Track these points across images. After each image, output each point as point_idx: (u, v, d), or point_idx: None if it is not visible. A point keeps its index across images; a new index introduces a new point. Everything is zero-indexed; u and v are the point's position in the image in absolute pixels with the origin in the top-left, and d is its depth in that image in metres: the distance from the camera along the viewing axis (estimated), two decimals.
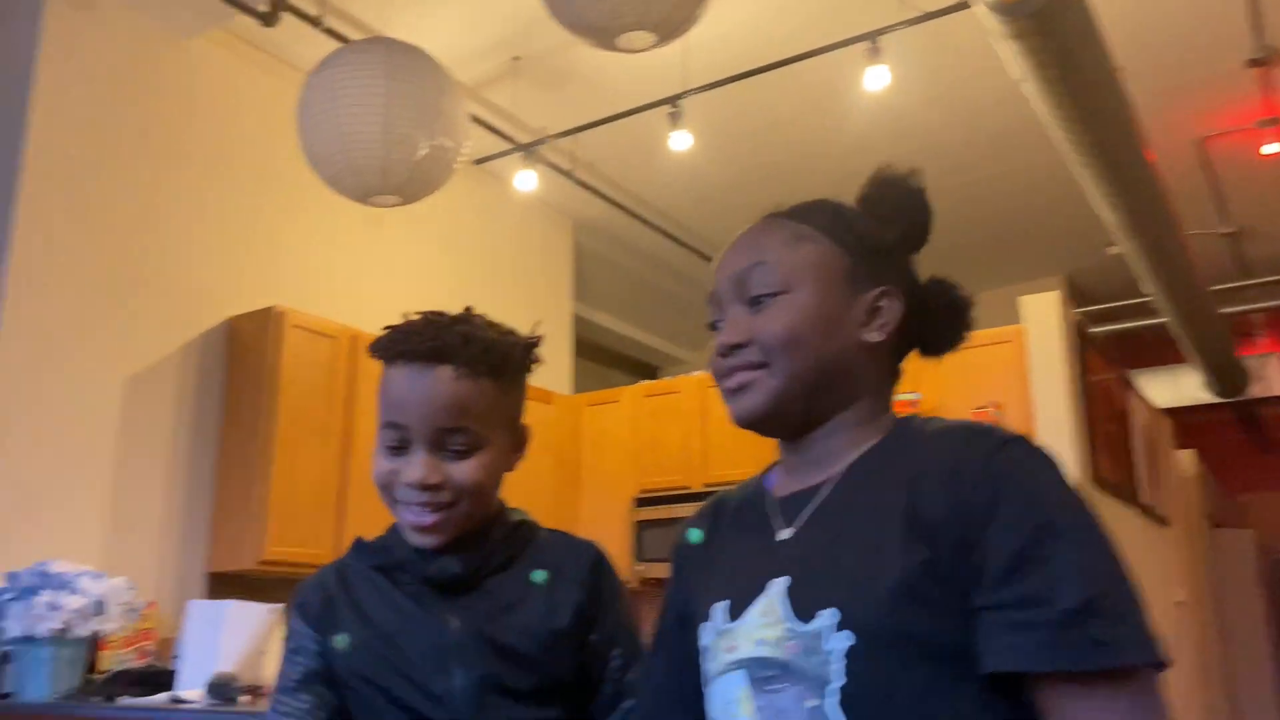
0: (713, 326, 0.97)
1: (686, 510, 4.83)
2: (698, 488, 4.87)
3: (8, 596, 2.97)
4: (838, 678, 0.80)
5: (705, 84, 4.03)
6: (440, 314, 1.15)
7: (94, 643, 3.12)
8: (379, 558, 1.15)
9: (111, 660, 3.20)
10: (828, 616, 0.82)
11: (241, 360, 3.78)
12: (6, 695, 3.00)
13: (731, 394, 0.94)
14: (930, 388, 4.40)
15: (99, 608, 3.03)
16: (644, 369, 7.36)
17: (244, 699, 2.68)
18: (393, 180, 2.82)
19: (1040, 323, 4.16)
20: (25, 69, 3.40)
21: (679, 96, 4.00)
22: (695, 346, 7.16)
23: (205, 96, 3.91)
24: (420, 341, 1.10)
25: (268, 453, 3.61)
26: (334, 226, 4.30)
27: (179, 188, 3.74)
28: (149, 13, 3.69)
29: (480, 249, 5.02)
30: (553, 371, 5.36)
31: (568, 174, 4.78)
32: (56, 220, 3.37)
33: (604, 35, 2.27)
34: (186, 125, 3.82)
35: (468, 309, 1.17)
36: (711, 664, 0.92)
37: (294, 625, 1.17)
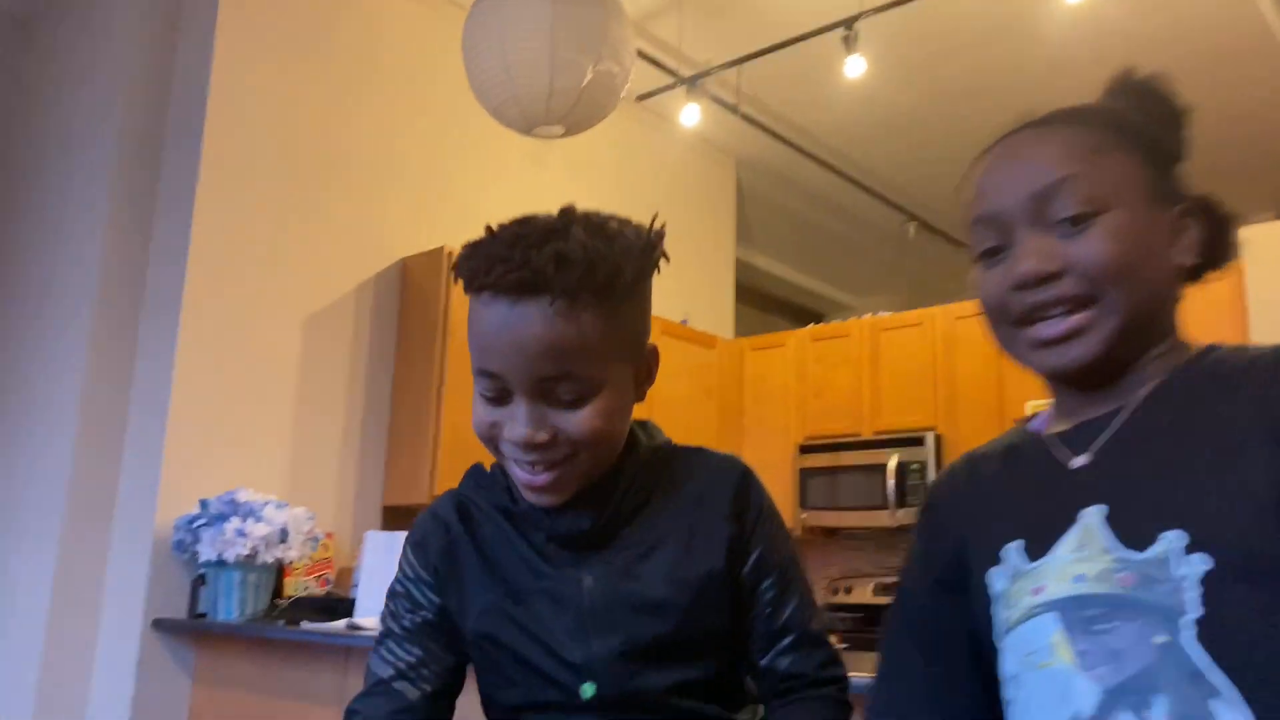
0: (989, 254, 0.85)
1: (853, 458, 4.65)
2: (867, 435, 4.69)
3: (201, 522, 3.11)
4: (1194, 608, 0.68)
5: (884, 3, 3.79)
6: (530, 221, 0.93)
7: (279, 569, 3.25)
8: (502, 499, 1.02)
9: (294, 587, 3.33)
10: (1173, 539, 0.70)
11: (413, 300, 3.84)
12: (202, 615, 3.17)
13: (1054, 342, 0.81)
14: None
15: (282, 535, 3.14)
16: (807, 315, 7.16)
17: None
18: (558, 109, 2.75)
19: (1263, 257, 3.76)
20: (209, 11, 3.50)
21: (854, 19, 3.77)
22: (862, 292, 6.90)
23: (384, 38, 3.95)
24: (506, 270, 0.89)
25: (439, 390, 3.67)
26: (501, 167, 4.30)
27: (357, 131, 3.80)
28: None
29: (642, 189, 4.94)
30: (715, 315, 5.26)
31: (732, 108, 4.62)
32: (240, 164, 3.48)
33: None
34: (365, 67, 3.87)
35: (566, 209, 0.94)
36: (1009, 611, 0.80)
37: (410, 565, 1.06)
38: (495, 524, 1.02)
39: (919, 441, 4.50)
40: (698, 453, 1.05)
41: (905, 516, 4.48)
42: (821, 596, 5.01)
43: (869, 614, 4.65)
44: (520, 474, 0.94)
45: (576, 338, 0.88)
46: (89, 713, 3.22)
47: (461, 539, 1.02)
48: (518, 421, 0.90)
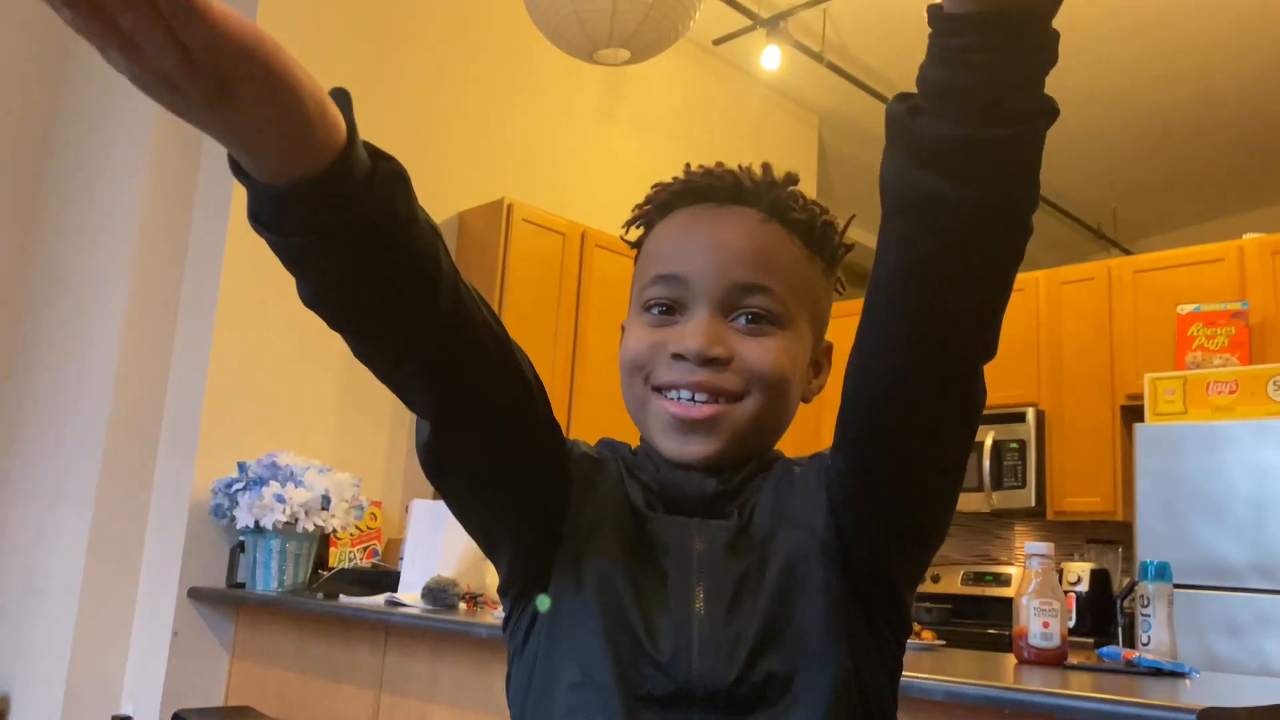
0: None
1: None
2: None
3: (239, 486, 2.92)
4: None
5: None
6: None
7: (324, 539, 3.05)
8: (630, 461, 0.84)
9: (340, 557, 3.13)
10: None
11: (471, 254, 3.59)
12: (240, 585, 2.98)
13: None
14: (1265, 295, 3.67)
15: (325, 502, 2.93)
16: None
17: (461, 606, 2.49)
18: (622, 30, 2.46)
19: None
20: None
21: None
22: None
23: None
24: (715, 179, 0.83)
25: None
26: (566, 118, 4.03)
27: (412, 76, 3.56)
28: None
29: (716, 146, 4.62)
30: None
31: (816, 56, 4.27)
32: None
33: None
34: (418, 5, 3.63)
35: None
36: None
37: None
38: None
39: (1019, 418, 4.12)
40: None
41: (1002, 500, 4.11)
42: None
43: (959, 605, 4.30)
44: (673, 408, 0.78)
45: (781, 253, 0.81)
46: (125, 683, 3.06)
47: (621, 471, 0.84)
48: (692, 331, 0.78)
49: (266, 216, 0.60)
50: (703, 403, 0.77)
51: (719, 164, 0.86)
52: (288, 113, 0.55)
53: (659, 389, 0.80)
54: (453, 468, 0.75)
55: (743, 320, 0.79)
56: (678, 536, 0.77)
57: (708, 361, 0.77)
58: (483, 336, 0.71)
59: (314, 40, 3.33)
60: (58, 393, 3.42)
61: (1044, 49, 0.60)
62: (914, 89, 0.63)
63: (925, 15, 0.61)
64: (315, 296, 0.65)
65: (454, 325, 0.69)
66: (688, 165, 0.87)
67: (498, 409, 0.73)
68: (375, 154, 0.63)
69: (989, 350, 0.67)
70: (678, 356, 0.78)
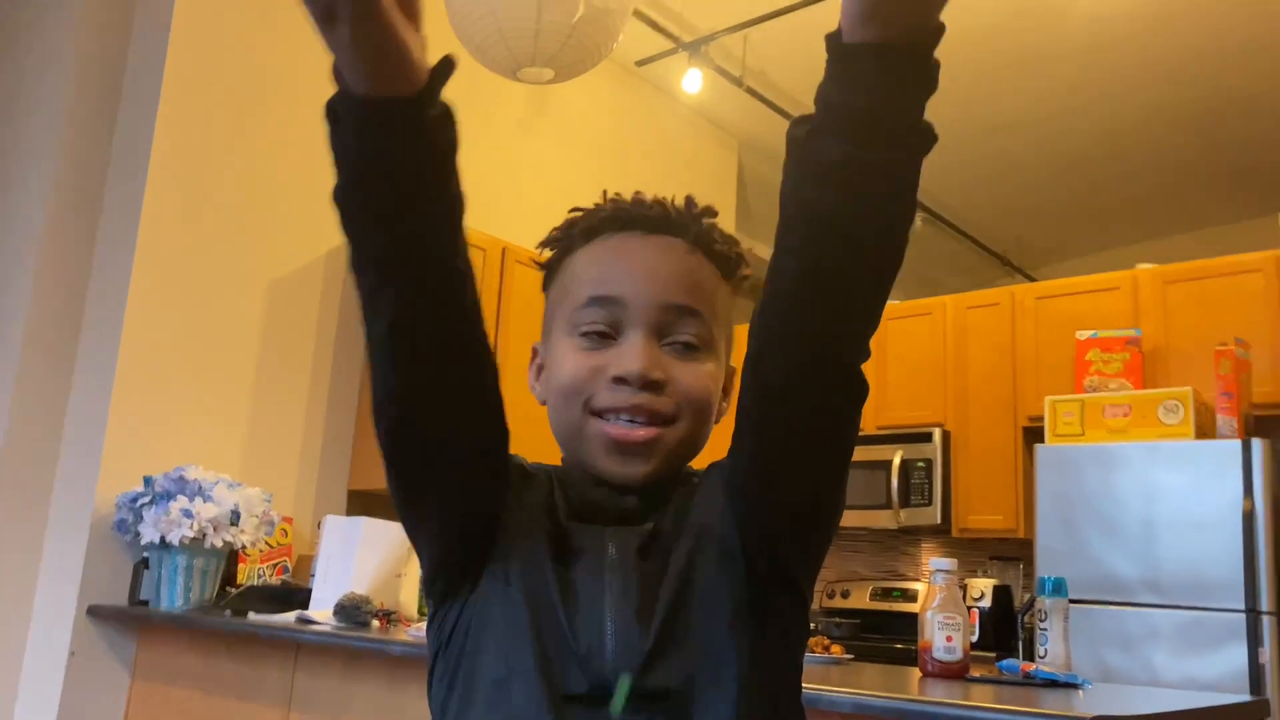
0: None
1: (858, 454, 4.37)
2: (870, 430, 4.44)
3: (144, 500, 2.84)
4: None
5: None
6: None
7: (232, 555, 2.99)
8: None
9: (249, 574, 3.06)
10: None
11: None
12: (144, 603, 2.89)
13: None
14: (1157, 323, 3.84)
15: (234, 518, 2.87)
16: None
17: (375, 623, 2.46)
18: (546, 48, 2.48)
19: None
20: None
21: None
22: None
23: None
24: (644, 211, 0.87)
25: None
26: (488, 132, 4.03)
27: (326, 90, 3.52)
28: None
29: (637, 166, 4.67)
30: None
31: (736, 81, 4.35)
32: (199, 120, 3.20)
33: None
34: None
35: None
36: None
37: None
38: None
39: (926, 438, 4.24)
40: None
41: (909, 517, 4.22)
42: (816, 601, 4.75)
43: (867, 620, 4.39)
44: (613, 432, 0.81)
45: (706, 281, 0.86)
46: (17, 707, 2.95)
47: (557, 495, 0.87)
48: (632, 354, 0.81)
49: (347, 122, 0.73)
50: (641, 425, 0.80)
51: (640, 193, 0.90)
52: (380, 47, 0.68)
53: (598, 413, 0.82)
54: (413, 420, 0.76)
55: (677, 342, 0.83)
56: (594, 543, 0.80)
57: (647, 385, 0.80)
58: (466, 295, 0.75)
59: (229, 45, 3.28)
60: None
61: (927, 78, 0.68)
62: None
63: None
64: (349, 186, 0.75)
65: (451, 263, 0.75)
66: (612, 193, 0.90)
67: (463, 359, 0.76)
68: (448, 114, 0.77)
69: (870, 335, 0.75)
70: (619, 380, 0.81)
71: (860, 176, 0.68)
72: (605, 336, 0.83)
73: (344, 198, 0.74)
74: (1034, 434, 3.92)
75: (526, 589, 0.78)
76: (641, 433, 0.80)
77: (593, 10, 2.45)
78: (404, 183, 0.73)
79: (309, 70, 3.47)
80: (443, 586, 0.82)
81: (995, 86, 4.46)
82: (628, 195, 0.90)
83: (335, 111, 0.73)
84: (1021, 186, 5.61)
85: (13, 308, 3.12)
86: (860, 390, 0.75)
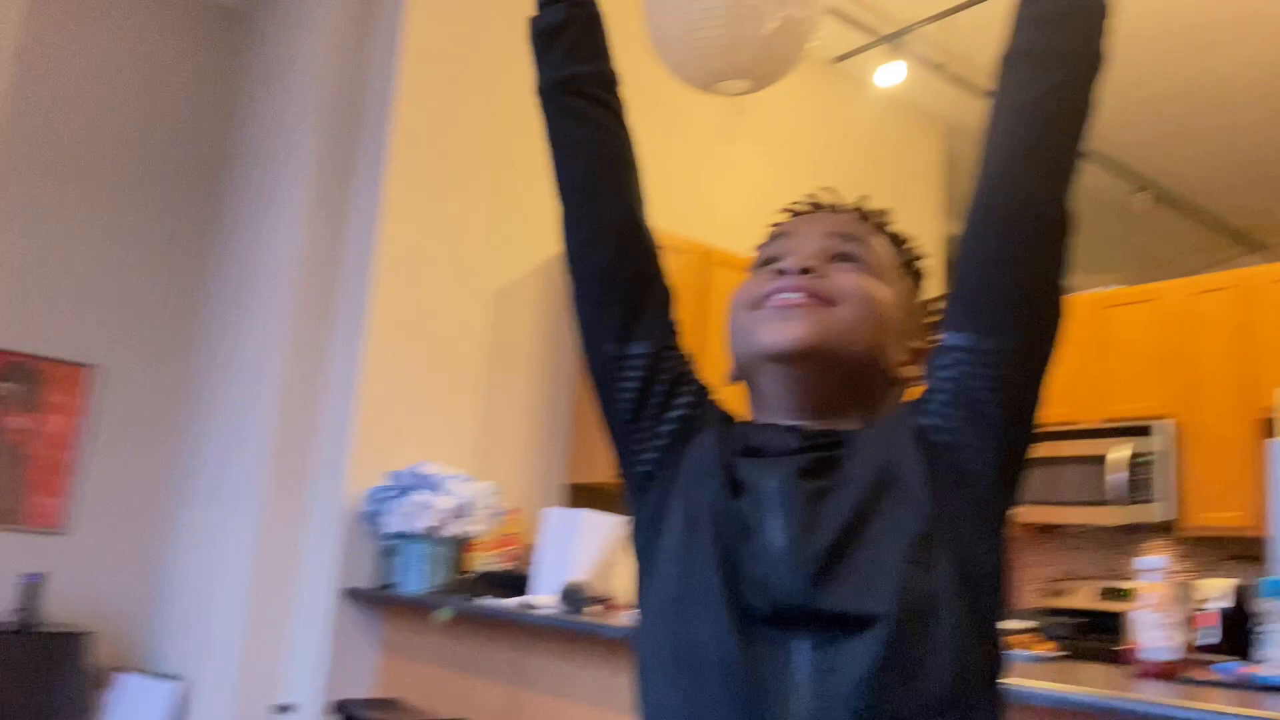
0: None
1: (1075, 448, 4.16)
2: (1092, 423, 4.26)
3: (389, 494, 3.15)
4: None
5: None
6: None
7: (464, 543, 3.25)
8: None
9: (479, 561, 3.32)
10: None
11: None
12: (390, 586, 3.21)
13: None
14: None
15: (465, 510, 3.13)
16: None
17: (593, 609, 2.63)
18: (739, 60, 2.56)
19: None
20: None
21: None
22: (1087, 269, 6.33)
23: None
24: (805, 202, 0.98)
25: None
26: (691, 141, 4.16)
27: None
28: None
29: (840, 162, 4.67)
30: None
31: (939, 68, 4.28)
32: (431, 140, 3.50)
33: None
34: None
35: None
36: None
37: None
38: None
39: (1152, 431, 4.03)
40: None
41: (1136, 514, 4.03)
42: (1036, 600, 4.60)
43: (1091, 620, 4.22)
44: (774, 302, 0.87)
45: (864, 231, 0.93)
46: (287, 678, 3.33)
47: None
48: (793, 253, 0.90)
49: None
50: (799, 298, 0.86)
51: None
52: None
53: (762, 300, 0.88)
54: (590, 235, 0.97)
55: (838, 258, 0.90)
56: (757, 475, 0.84)
57: (805, 271, 0.87)
58: (626, 148, 1.01)
59: (457, 70, 3.56)
60: (230, 407, 3.75)
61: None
62: None
63: None
64: (552, 29, 1.03)
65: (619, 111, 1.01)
66: (810, 193, 1.01)
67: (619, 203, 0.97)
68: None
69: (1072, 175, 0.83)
70: (779, 273, 0.88)
71: (1076, 21, 0.84)
72: (777, 258, 0.90)
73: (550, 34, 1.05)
74: (1271, 427, 3.65)
75: (707, 516, 0.82)
76: (799, 298, 0.86)
77: (784, 21, 2.51)
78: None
79: (530, 93, 3.71)
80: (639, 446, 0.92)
81: (1227, 48, 4.17)
82: (827, 195, 0.99)
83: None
84: (1264, 159, 5.18)
85: (274, 324, 3.52)
86: (1069, 217, 0.82)
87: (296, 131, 3.67)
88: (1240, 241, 5.88)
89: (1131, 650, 1.85)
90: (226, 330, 3.88)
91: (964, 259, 0.83)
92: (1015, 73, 0.84)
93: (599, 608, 2.66)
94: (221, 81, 4.25)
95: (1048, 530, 4.59)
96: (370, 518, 3.20)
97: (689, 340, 0.96)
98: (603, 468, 3.56)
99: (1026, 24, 0.86)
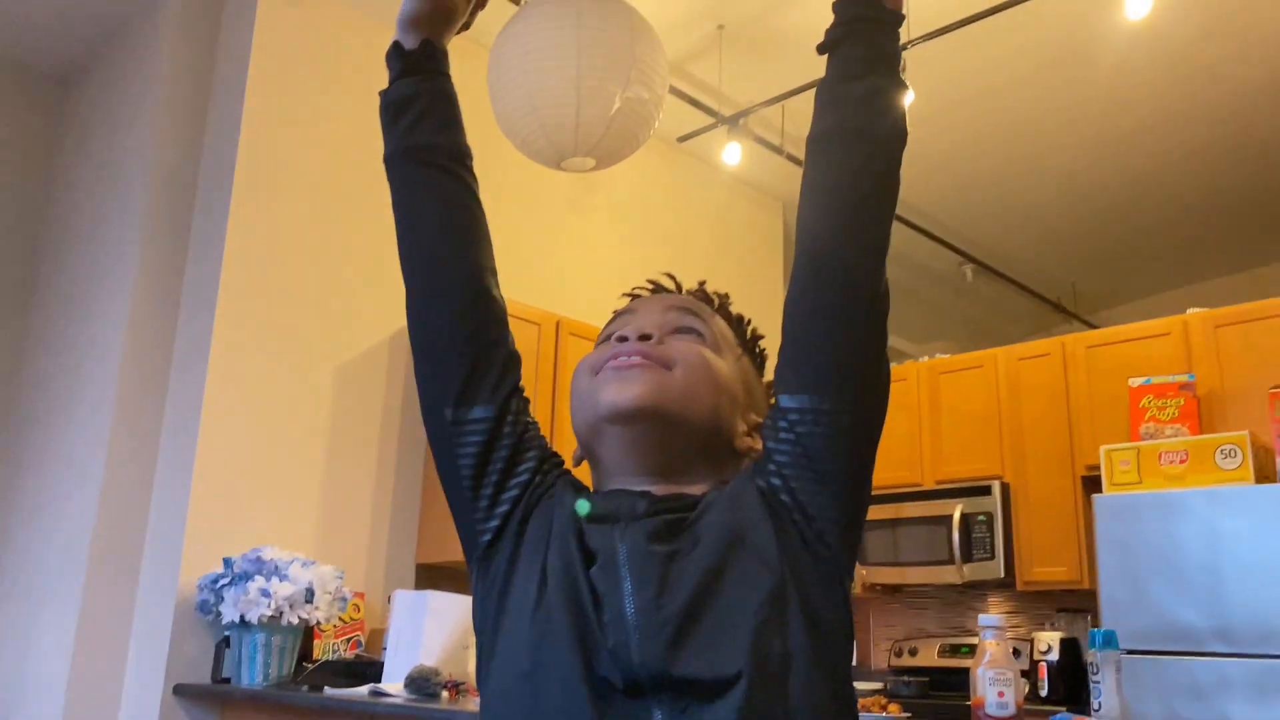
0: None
1: (915, 509, 4.36)
2: (929, 485, 4.44)
3: (224, 581, 2.98)
4: None
5: (929, 32, 3.63)
6: None
7: (308, 631, 3.10)
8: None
9: (324, 649, 3.18)
10: None
11: None
12: (226, 680, 3.02)
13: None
14: (1211, 367, 3.83)
15: (308, 595, 3.00)
16: None
17: (444, 694, 2.55)
18: (586, 140, 2.61)
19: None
20: (242, 61, 3.46)
21: (902, 47, 3.62)
22: (919, 338, 6.68)
23: None
24: (647, 286, 1.04)
25: None
26: (540, 213, 4.20)
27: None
28: (350, 2, 3.70)
29: (687, 235, 4.80)
30: (765, 363, 5.07)
31: (776, 149, 4.48)
32: (271, 210, 3.41)
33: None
34: None
35: None
36: None
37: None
38: None
39: (985, 491, 4.24)
40: None
41: (973, 572, 4.20)
42: (884, 659, 4.72)
43: (935, 678, 4.35)
44: (612, 364, 0.89)
45: (703, 309, 0.97)
46: None
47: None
48: (632, 324, 0.93)
49: (396, 65, 1.05)
50: (636, 359, 0.88)
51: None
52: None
53: (602, 365, 0.90)
54: (429, 298, 0.98)
55: (679, 332, 0.93)
56: (606, 541, 0.83)
57: (643, 338, 0.91)
58: (473, 218, 1.03)
59: (298, 139, 3.49)
60: (45, 493, 3.49)
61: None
62: None
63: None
64: (401, 101, 1.04)
65: (464, 176, 1.03)
66: (658, 269, 1.09)
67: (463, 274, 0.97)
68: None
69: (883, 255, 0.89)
70: (619, 340, 0.92)
71: (880, 99, 0.90)
72: (620, 330, 0.94)
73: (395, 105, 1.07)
74: (1093, 483, 3.90)
75: (557, 586, 0.81)
76: (637, 360, 0.88)
77: (629, 102, 2.58)
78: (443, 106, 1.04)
79: (374, 165, 3.67)
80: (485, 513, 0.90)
81: (1035, 133, 4.52)
82: (675, 267, 1.07)
83: (394, 65, 1.07)
84: (1072, 234, 5.62)
85: (100, 399, 3.32)
86: (886, 299, 0.87)
87: (127, 202, 3.51)
88: (1058, 310, 6.32)
89: (976, 707, 1.92)
90: (52, 413, 3.63)
91: (790, 324, 0.86)
92: (823, 154, 0.88)
93: (450, 693, 2.58)
94: (45, 150, 4.04)
95: (893, 590, 4.73)
96: (204, 607, 3.02)
97: (539, 410, 0.97)
98: (454, 546, 3.48)
99: (827, 106, 0.90)
